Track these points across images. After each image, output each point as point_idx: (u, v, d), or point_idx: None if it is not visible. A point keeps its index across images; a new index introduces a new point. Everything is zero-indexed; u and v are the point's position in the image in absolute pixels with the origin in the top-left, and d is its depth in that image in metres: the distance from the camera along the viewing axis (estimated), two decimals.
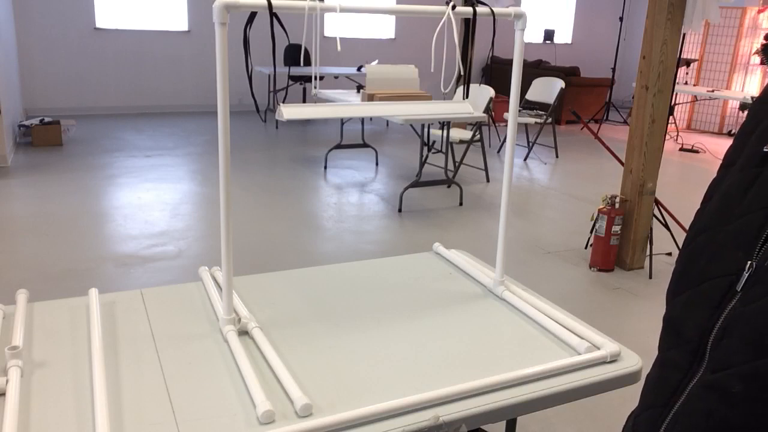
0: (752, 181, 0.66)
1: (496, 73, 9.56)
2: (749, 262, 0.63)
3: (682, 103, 9.03)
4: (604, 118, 9.25)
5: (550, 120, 6.68)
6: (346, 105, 1.47)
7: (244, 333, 1.26)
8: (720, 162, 0.74)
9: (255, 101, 1.57)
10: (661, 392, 0.70)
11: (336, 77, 8.28)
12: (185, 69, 8.33)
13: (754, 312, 0.60)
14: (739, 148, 0.71)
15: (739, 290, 0.63)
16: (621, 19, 9.87)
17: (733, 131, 8.68)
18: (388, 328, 1.32)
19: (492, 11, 1.32)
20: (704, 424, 0.63)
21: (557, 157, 6.80)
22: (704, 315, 0.65)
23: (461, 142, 5.54)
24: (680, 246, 4.33)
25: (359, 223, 4.38)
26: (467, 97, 1.51)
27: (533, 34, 10.69)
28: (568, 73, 8.54)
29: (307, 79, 7.94)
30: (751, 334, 0.60)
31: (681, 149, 7.54)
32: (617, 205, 3.59)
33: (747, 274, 0.62)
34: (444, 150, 5.14)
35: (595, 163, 6.60)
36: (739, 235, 0.65)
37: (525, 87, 6.73)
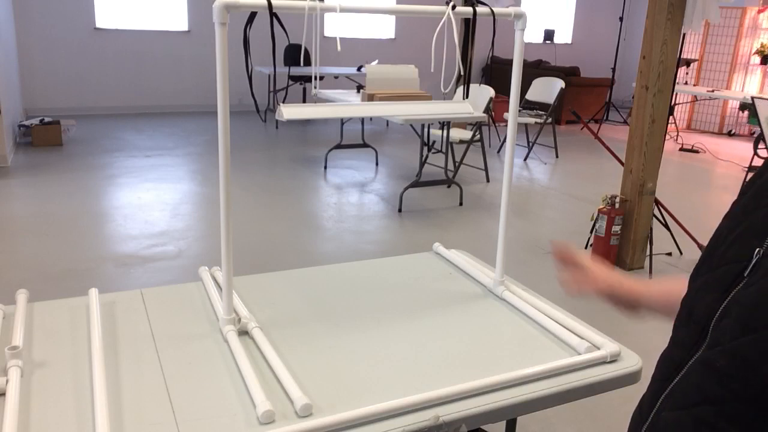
0: None
1: (496, 73, 9.55)
2: (758, 249, 0.65)
3: (682, 103, 9.03)
4: (604, 118, 9.24)
5: (550, 120, 6.68)
6: (346, 105, 1.47)
7: (244, 333, 1.26)
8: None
9: (255, 101, 1.57)
10: (666, 368, 0.73)
11: (336, 77, 8.28)
12: (185, 69, 8.33)
13: (750, 294, 0.63)
14: None
15: (746, 276, 0.65)
16: (621, 19, 9.87)
17: (734, 131, 8.68)
18: (388, 328, 1.32)
19: (492, 11, 1.32)
20: (693, 397, 0.66)
21: (557, 157, 6.79)
22: (714, 298, 0.68)
23: (461, 142, 5.53)
24: (680, 246, 4.29)
25: (359, 223, 4.38)
26: (467, 97, 1.51)
27: (533, 34, 10.68)
28: (568, 73, 8.53)
29: (307, 79, 7.94)
30: (743, 314, 0.63)
31: (681, 149, 7.54)
32: (617, 205, 3.59)
33: (755, 260, 0.65)
34: (444, 150, 5.14)
35: (595, 163, 6.60)
36: (758, 225, 0.67)
37: (525, 87, 6.73)
